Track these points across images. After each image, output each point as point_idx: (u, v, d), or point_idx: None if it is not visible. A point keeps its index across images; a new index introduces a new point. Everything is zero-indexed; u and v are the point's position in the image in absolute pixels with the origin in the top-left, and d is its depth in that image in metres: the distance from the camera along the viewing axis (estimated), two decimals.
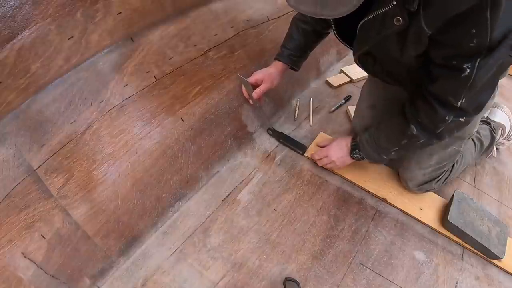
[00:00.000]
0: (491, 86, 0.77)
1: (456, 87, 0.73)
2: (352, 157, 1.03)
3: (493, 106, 1.31)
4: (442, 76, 0.74)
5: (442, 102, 0.77)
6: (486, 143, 1.20)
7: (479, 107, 0.78)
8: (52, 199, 0.76)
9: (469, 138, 1.03)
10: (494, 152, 1.29)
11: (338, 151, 1.06)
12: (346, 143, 1.04)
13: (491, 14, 0.59)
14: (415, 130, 0.85)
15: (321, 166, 1.14)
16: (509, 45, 0.66)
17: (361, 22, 0.77)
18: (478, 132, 1.19)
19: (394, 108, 0.92)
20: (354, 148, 1.02)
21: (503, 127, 1.27)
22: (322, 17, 0.61)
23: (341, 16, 0.60)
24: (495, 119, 1.26)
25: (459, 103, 0.75)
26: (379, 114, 1.11)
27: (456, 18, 0.62)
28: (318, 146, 1.18)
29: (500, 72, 0.73)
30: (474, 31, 0.62)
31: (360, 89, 1.23)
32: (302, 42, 1.08)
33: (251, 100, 1.12)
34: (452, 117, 0.78)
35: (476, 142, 1.17)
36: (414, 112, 0.84)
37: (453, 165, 1.09)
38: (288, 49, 1.08)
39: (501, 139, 1.29)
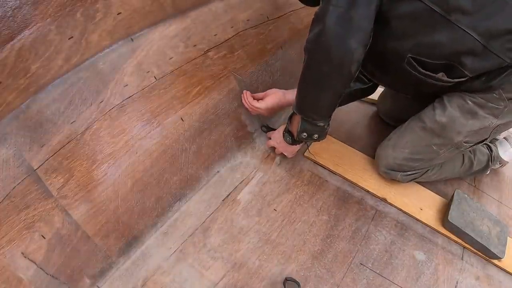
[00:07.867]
0: None
1: None
2: (285, 140, 1.04)
3: (506, 139, 1.22)
4: None
5: None
6: (477, 167, 1.16)
7: None
8: (52, 199, 0.76)
9: (453, 147, 0.98)
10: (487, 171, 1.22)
11: (278, 137, 1.08)
12: (282, 129, 1.05)
13: None
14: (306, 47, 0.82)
15: (322, 166, 1.14)
16: None
17: None
18: (474, 153, 1.15)
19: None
20: (284, 132, 1.03)
21: (504, 163, 1.22)
22: None
23: None
24: (503, 156, 1.20)
25: None
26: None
27: None
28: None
29: None
30: None
31: None
32: None
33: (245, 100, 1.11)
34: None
35: (466, 160, 1.14)
36: None
37: (427, 170, 1.08)
38: None
39: (497, 166, 1.24)
